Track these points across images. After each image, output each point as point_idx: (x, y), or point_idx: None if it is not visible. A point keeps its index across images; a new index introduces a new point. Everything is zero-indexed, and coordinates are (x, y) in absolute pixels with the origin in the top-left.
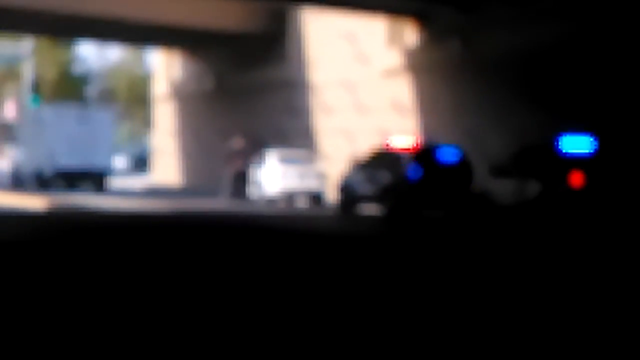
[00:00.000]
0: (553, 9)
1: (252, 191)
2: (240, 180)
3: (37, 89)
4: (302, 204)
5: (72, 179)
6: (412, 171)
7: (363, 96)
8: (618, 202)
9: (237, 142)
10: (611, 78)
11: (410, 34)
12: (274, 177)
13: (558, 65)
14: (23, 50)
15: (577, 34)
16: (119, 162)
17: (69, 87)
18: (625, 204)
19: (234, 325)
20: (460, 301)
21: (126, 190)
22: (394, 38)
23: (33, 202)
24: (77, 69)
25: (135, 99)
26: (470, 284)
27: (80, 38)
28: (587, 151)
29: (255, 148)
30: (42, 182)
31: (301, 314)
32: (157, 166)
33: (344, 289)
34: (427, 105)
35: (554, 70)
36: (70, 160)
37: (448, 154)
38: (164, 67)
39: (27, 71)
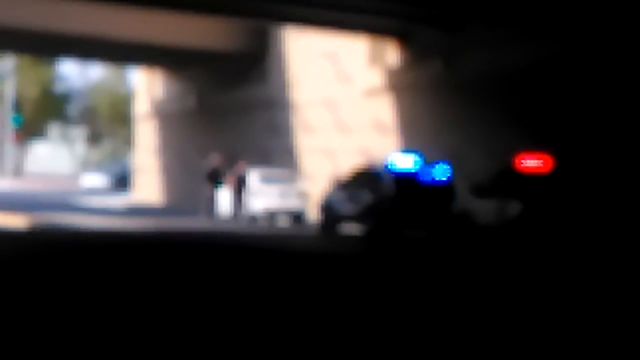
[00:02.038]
0: (534, 30)
1: (232, 210)
2: (237, 196)
3: (18, 107)
4: (283, 223)
5: None
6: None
7: (344, 115)
8: (599, 221)
9: (214, 159)
10: (592, 98)
11: (392, 54)
12: (255, 196)
13: (539, 85)
14: (4, 69)
15: (557, 55)
16: (100, 180)
17: (50, 106)
18: (606, 221)
19: (213, 344)
20: (439, 321)
21: (107, 209)
22: (375, 57)
23: (13, 221)
24: (59, 87)
25: (116, 117)
26: (449, 304)
27: (62, 56)
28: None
29: (233, 165)
30: None
31: (279, 333)
32: (139, 185)
33: (322, 308)
34: (409, 124)
35: (534, 90)
36: None
37: (432, 173)
38: (145, 85)
39: (9, 90)
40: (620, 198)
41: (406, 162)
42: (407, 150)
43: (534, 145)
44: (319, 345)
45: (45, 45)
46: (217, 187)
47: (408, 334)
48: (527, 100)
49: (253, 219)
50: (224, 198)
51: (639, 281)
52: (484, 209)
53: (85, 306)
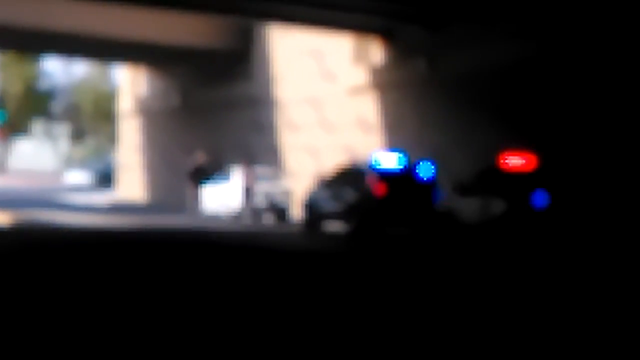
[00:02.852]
0: (517, 28)
1: (217, 207)
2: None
3: (2, 104)
4: (267, 220)
5: None
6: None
7: (329, 113)
8: (583, 220)
9: (199, 157)
10: (574, 97)
11: (376, 52)
12: (239, 194)
13: (521, 84)
14: None
15: (540, 53)
16: (83, 177)
17: (34, 103)
18: (590, 221)
19: (194, 341)
20: (421, 318)
21: (90, 206)
22: (359, 56)
23: None
24: (43, 84)
25: (100, 114)
26: (431, 301)
27: (46, 53)
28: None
29: (217, 164)
30: None
31: (262, 329)
32: (122, 182)
33: (304, 306)
34: (393, 122)
35: (517, 89)
36: None
37: (415, 171)
38: (129, 82)
39: None
40: (605, 195)
41: (390, 161)
42: (391, 149)
43: (518, 144)
44: (302, 342)
45: (29, 42)
46: (201, 184)
47: (390, 331)
48: (510, 98)
49: (236, 216)
50: (208, 195)
51: (621, 275)
52: (468, 207)
53: (66, 304)
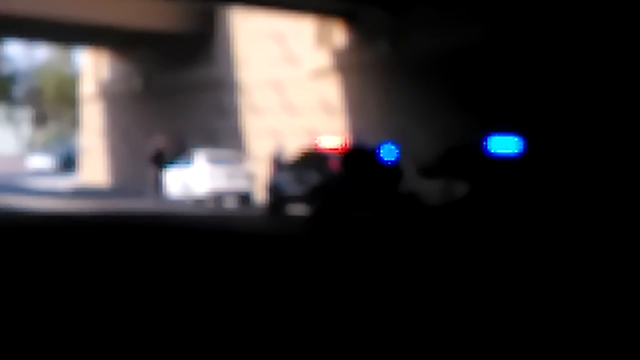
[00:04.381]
0: (477, 10)
1: (180, 191)
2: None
3: None
4: (230, 204)
5: None
6: (340, 171)
7: (292, 96)
8: (544, 203)
9: (159, 141)
10: (536, 78)
11: (339, 35)
12: (202, 177)
13: (484, 66)
14: None
15: (500, 35)
16: (46, 162)
17: None
18: (551, 204)
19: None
20: (381, 303)
21: (53, 190)
22: (322, 38)
23: None
24: (4, 68)
25: (63, 98)
26: (391, 285)
27: (7, 37)
28: (514, 151)
29: (180, 147)
30: None
31: (219, 313)
32: (85, 166)
33: (266, 289)
34: (356, 105)
35: (479, 71)
36: None
37: (378, 154)
38: (92, 67)
39: None
40: (568, 180)
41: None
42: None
43: (479, 125)
44: (266, 326)
45: None
46: (162, 168)
47: (350, 314)
48: (471, 80)
49: (199, 200)
50: (171, 179)
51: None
52: (431, 189)
53: (28, 290)
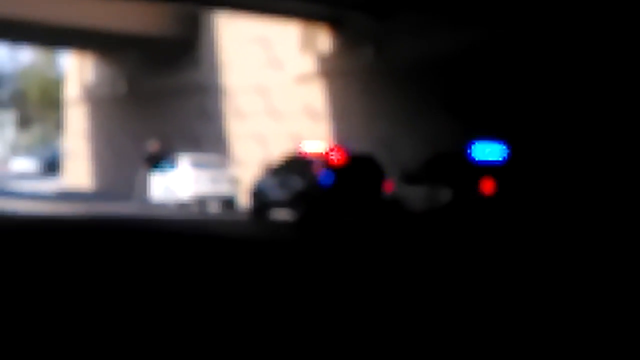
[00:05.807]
0: (464, 16)
1: (164, 195)
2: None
3: None
4: (214, 208)
5: None
6: (324, 177)
7: (276, 101)
8: (529, 209)
9: (152, 145)
10: (522, 85)
11: (324, 40)
12: (185, 182)
13: (469, 72)
14: None
15: (487, 41)
16: (30, 164)
17: None
18: (536, 211)
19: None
20: (365, 308)
21: (37, 194)
22: (307, 43)
23: None
24: None
25: (47, 101)
26: (374, 290)
27: None
28: (498, 158)
29: (169, 152)
30: None
31: (207, 319)
32: (69, 170)
33: (247, 294)
34: (340, 111)
35: (465, 77)
36: None
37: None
38: (76, 70)
39: None
40: (555, 185)
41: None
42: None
43: (464, 132)
44: (249, 330)
45: None
46: (154, 172)
47: (334, 319)
48: (458, 87)
49: (183, 204)
50: (156, 183)
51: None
52: (415, 195)
53: (9, 291)
